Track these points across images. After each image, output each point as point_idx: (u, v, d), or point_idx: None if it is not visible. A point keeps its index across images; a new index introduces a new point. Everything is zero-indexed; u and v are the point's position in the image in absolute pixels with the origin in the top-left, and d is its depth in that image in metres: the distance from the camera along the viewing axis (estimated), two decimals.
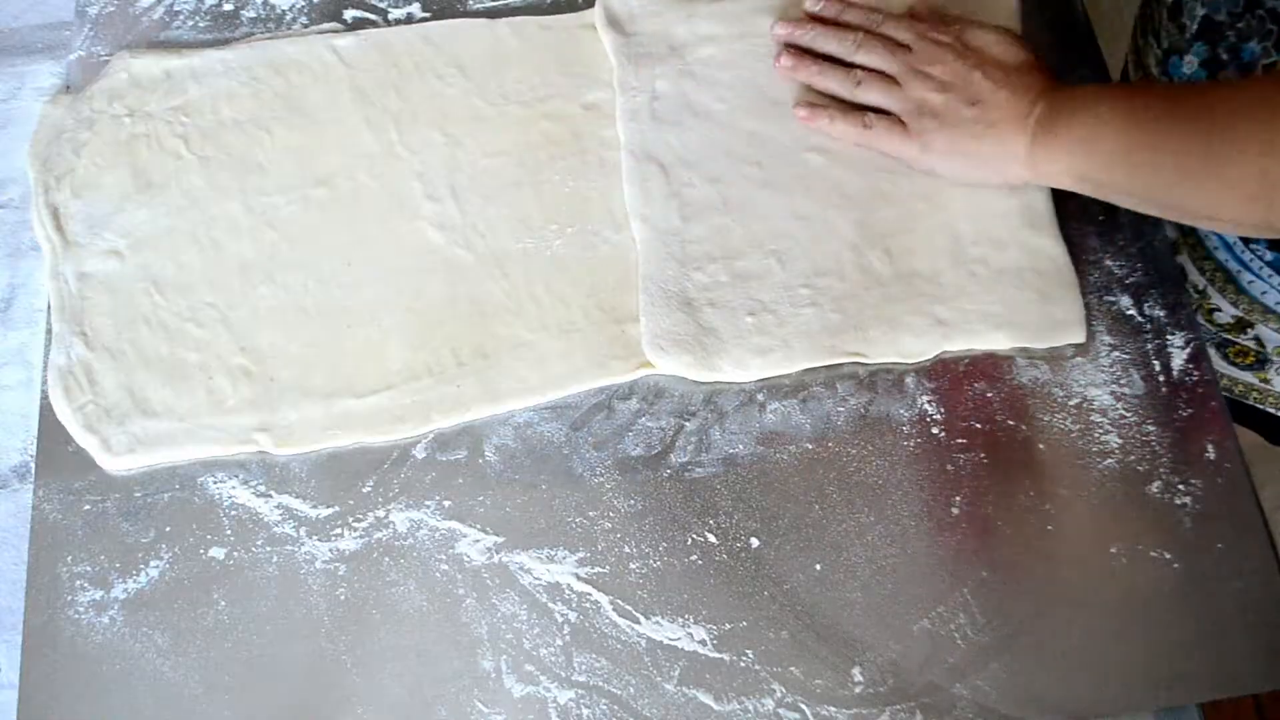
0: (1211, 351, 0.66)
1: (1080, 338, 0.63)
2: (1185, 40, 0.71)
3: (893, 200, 0.67)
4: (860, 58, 0.67)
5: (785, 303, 0.64)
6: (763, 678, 0.57)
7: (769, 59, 0.70)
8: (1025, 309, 0.63)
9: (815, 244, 0.66)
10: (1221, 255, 0.73)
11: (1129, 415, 0.62)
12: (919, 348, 0.63)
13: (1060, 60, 0.71)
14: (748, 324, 0.64)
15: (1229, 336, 0.77)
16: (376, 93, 0.71)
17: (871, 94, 0.66)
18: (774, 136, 0.69)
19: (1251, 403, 0.82)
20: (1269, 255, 0.70)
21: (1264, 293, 0.72)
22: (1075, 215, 0.67)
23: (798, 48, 0.69)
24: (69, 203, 0.68)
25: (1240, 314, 0.75)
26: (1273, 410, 0.81)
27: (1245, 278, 0.73)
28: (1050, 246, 0.65)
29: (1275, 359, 0.77)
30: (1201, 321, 0.76)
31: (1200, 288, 0.75)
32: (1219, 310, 0.76)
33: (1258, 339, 0.76)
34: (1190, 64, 0.71)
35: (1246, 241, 0.71)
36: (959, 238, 0.65)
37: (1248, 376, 0.80)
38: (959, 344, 0.63)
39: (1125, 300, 0.64)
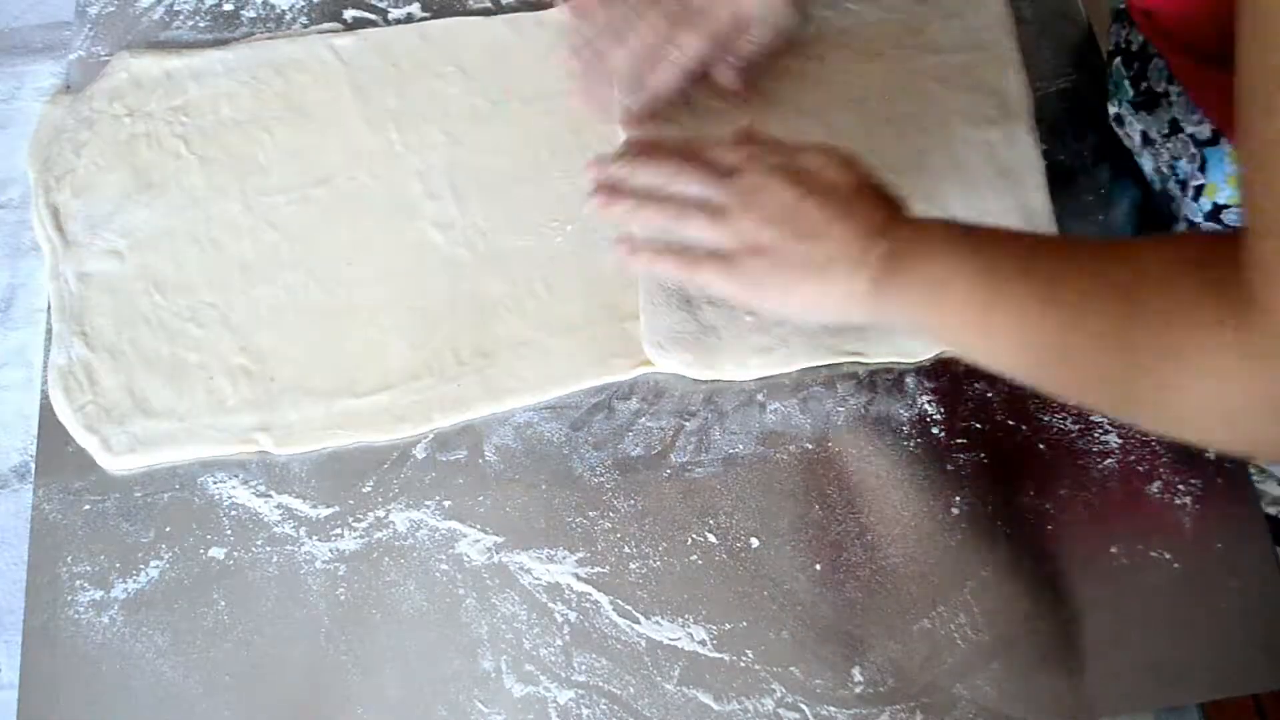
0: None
1: None
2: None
3: None
4: (679, 187, 0.58)
5: None
6: (763, 678, 0.57)
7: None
8: None
9: None
10: None
11: None
12: (917, 347, 0.63)
13: (1060, 60, 0.72)
14: (747, 323, 0.64)
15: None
16: (376, 92, 0.71)
17: (693, 229, 0.57)
18: (769, 129, 0.68)
19: None
20: None
21: None
22: (1075, 215, 0.67)
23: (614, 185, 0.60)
24: (69, 203, 0.68)
25: None
26: None
27: None
28: None
29: None
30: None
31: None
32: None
33: None
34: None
35: None
36: None
37: None
38: None
39: None
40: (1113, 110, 0.67)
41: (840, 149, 0.57)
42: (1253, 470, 0.62)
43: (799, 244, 0.55)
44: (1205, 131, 0.60)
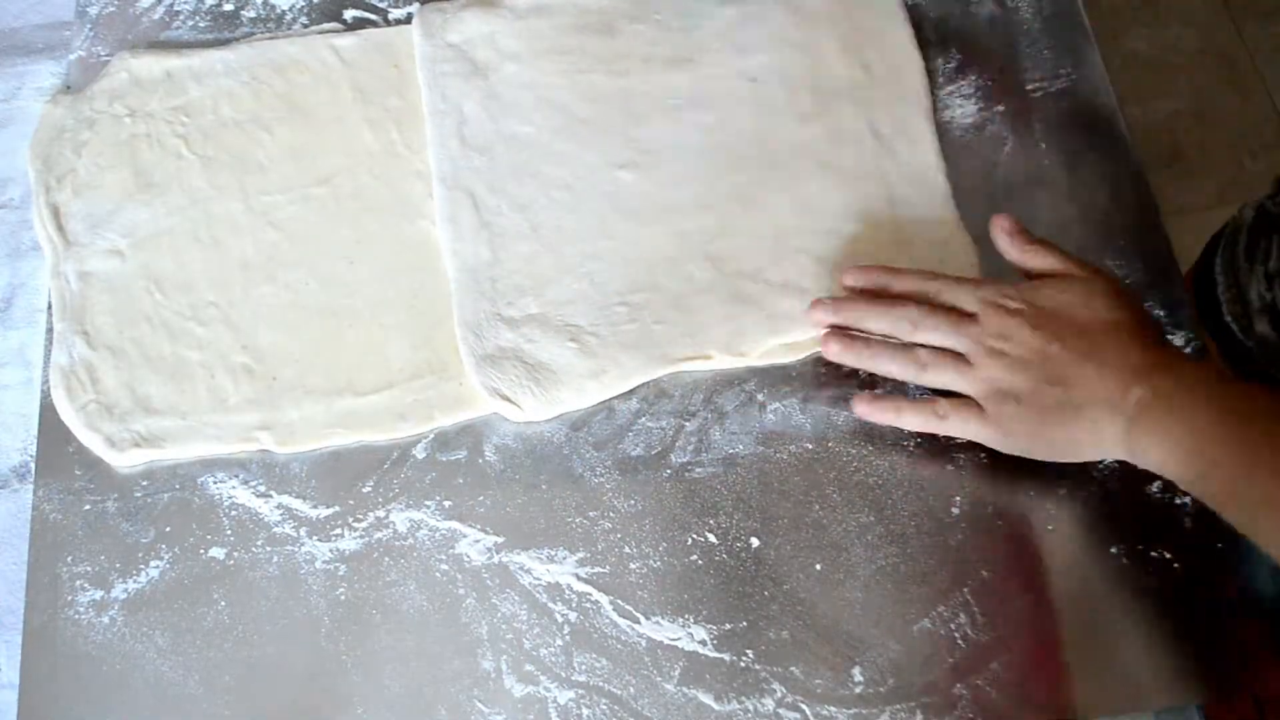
0: None
1: None
2: None
3: (709, 206, 0.66)
4: (921, 336, 0.59)
5: (603, 323, 0.63)
6: (763, 678, 0.57)
7: (575, 75, 0.70)
8: None
9: (626, 262, 0.65)
10: None
11: None
12: (753, 343, 0.63)
13: (1060, 60, 0.72)
14: (571, 350, 0.63)
15: None
16: (377, 92, 0.72)
17: (940, 377, 0.58)
18: (581, 156, 0.68)
19: None
20: None
21: None
22: (1075, 219, 0.67)
23: (842, 328, 0.61)
24: (70, 202, 0.68)
25: None
26: None
27: None
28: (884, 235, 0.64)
29: None
30: None
31: None
32: None
33: None
34: None
35: None
36: (783, 233, 0.65)
37: None
38: (794, 334, 0.63)
39: None
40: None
41: (1097, 278, 0.57)
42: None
43: (1050, 389, 0.55)
44: None
